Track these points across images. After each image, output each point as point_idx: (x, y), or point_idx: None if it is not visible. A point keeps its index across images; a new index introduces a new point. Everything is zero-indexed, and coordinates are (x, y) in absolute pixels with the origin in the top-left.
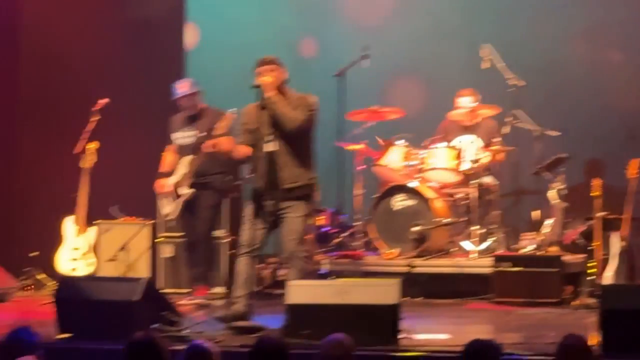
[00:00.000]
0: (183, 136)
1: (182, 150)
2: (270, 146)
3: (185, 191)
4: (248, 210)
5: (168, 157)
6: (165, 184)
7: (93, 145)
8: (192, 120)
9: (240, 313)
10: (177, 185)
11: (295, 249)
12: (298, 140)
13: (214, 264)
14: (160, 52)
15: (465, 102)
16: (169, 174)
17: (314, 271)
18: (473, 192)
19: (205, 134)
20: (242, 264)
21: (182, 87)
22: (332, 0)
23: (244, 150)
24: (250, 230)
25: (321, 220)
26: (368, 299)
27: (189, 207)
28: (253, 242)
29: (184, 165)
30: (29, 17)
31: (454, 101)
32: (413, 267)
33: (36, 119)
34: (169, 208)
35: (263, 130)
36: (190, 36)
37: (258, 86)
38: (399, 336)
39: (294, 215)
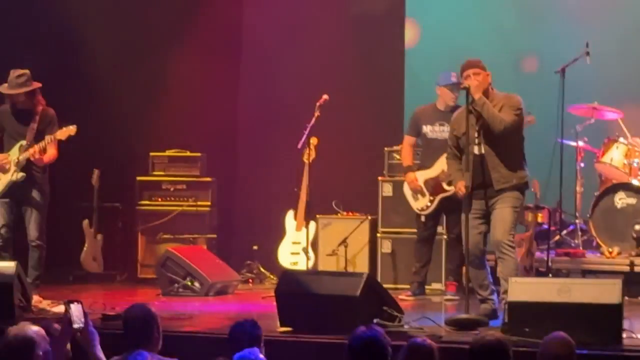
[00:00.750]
0: (437, 130)
1: (432, 145)
2: (479, 149)
3: (449, 187)
4: (464, 214)
5: (409, 150)
6: (417, 178)
7: (314, 141)
8: (449, 115)
9: (490, 311)
10: (439, 180)
11: (501, 238)
12: (507, 141)
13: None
14: (380, 48)
15: None
16: (413, 168)
17: (533, 268)
18: None
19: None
20: (472, 271)
21: (455, 76)
22: None
23: (461, 188)
24: (469, 236)
25: (541, 217)
26: (590, 298)
27: (443, 204)
28: (474, 249)
29: (445, 162)
30: (249, 15)
31: None
32: (634, 266)
33: (257, 114)
34: (422, 202)
35: (471, 133)
36: (411, 34)
37: (466, 88)
38: (623, 336)
39: (502, 206)
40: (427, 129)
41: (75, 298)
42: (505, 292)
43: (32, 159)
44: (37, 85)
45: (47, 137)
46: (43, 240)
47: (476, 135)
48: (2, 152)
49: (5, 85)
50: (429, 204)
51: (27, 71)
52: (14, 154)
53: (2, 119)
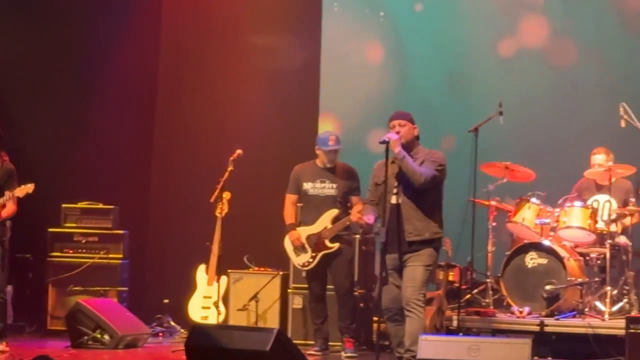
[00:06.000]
0: (318, 187)
1: (313, 201)
2: (395, 198)
3: (331, 245)
4: (382, 268)
5: (291, 208)
6: (299, 235)
7: (227, 195)
8: (329, 173)
9: None
10: (321, 236)
11: (411, 297)
12: (424, 195)
13: (355, 318)
14: (296, 105)
15: (599, 159)
16: (297, 225)
17: (444, 326)
18: (607, 253)
19: (346, 190)
20: (392, 328)
21: (333, 141)
22: None
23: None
24: (389, 291)
25: (452, 275)
26: (500, 357)
27: (326, 260)
28: (392, 304)
29: (327, 219)
30: (164, 67)
31: (590, 159)
32: (544, 326)
33: (171, 168)
34: (304, 258)
35: (390, 183)
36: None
37: (385, 142)
38: None
39: (414, 264)
40: (308, 185)
41: None
42: (407, 351)
43: None
44: None
45: (7, 194)
46: (4, 292)
47: (395, 184)
48: None
49: None
50: (310, 260)
51: None
52: None
53: None
